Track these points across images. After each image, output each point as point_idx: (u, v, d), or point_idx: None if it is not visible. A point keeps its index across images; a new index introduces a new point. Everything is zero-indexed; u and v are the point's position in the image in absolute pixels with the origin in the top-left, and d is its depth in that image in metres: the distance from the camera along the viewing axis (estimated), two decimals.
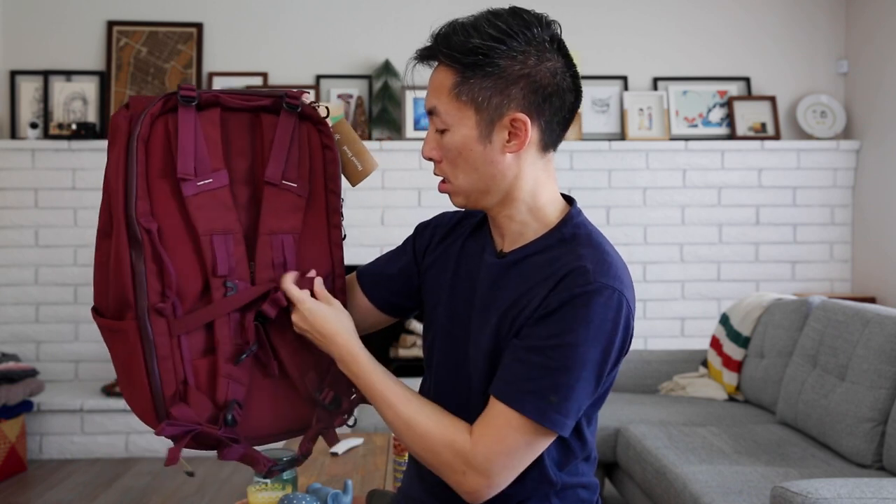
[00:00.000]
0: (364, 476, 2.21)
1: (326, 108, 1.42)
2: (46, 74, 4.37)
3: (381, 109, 4.39)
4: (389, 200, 4.40)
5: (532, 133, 1.26)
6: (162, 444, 4.05)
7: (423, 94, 1.33)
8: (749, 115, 4.53)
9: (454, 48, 1.24)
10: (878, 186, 4.31)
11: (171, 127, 1.30)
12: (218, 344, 1.32)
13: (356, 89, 4.46)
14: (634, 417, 3.09)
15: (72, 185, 4.32)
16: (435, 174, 1.34)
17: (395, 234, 4.38)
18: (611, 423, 3.04)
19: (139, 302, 1.25)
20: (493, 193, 1.30)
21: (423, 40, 1.31)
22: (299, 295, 1.34)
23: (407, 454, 1.97)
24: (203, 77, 4.44)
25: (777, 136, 4.50)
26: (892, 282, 4.17)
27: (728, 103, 4.53)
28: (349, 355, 1.32)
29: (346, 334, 1.33)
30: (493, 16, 1.25)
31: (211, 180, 1.31)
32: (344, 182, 1.45)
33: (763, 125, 4.52)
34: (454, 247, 1.42)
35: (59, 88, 4.38)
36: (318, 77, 4.47)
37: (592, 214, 1.40)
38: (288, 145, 1.37)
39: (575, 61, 1.30)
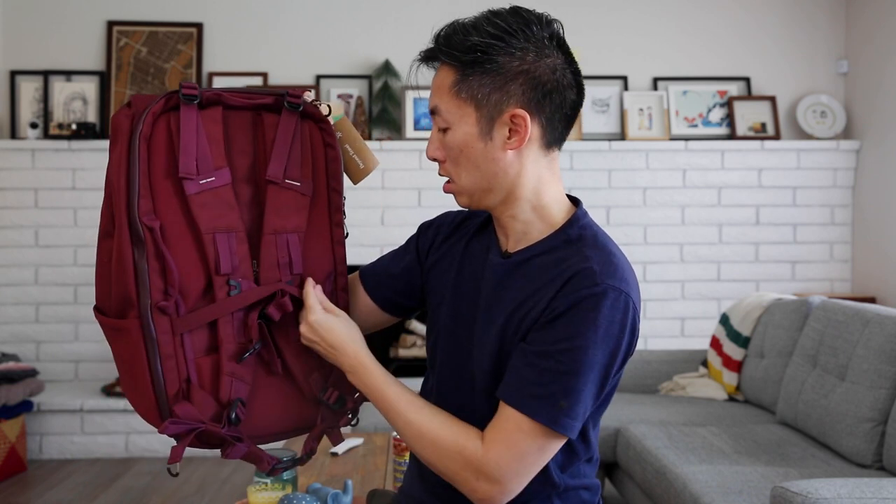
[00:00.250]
0: (364, 476, 2.21)
1: (328, 106, 1.42)
2: (46, 74, 4.37)
3: (381, 109, 4.39)
4: (389, 200, 4.40)
5: (533, 130, 1.26)
6: (162, 445, 4.05)
7: (423, 94, 1.33)
8: (749, 115, 4.53)
9: (454, 47, 1.25)
10: (878, 186, 4.31)
11: (173, 125, 1.29)
12: (221, 342, 1.32)
13: (356, 89, 4.46)
14: (634, 417, 3.09)
15: (72, 185, 4.32)
16: (440, 174, 1.34)
17: (396, 234, 4.38)
18: (611, 423, 3.04)
19: (142, 300, 1.25)
20: (495, 192, 1.30)
21: (423, 40, 1.32)
22: (313, 305, 1.34)
23: (407, 454, 1.97)
24: (203, 77, 4.44)
25: (777, 136, 4.50)
26: (892, 282, 4.17)
27: (728, 103, 4.53)
28: (360, 366, 1.32)
29: (355, 345, 1.33)
30: (493, 15, 1.26)
31: (213, 178, 1.31)
32: (345, 180, 1.45)
33: (763, 125, 4.52)
34: (458, 246, 1.42)
35: (59, 88, 4.38)
36: (318, 77, 4.47)
37: (592, 214, 1.40)
38: (290, 144, 1.37)
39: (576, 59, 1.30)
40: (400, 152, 4.37)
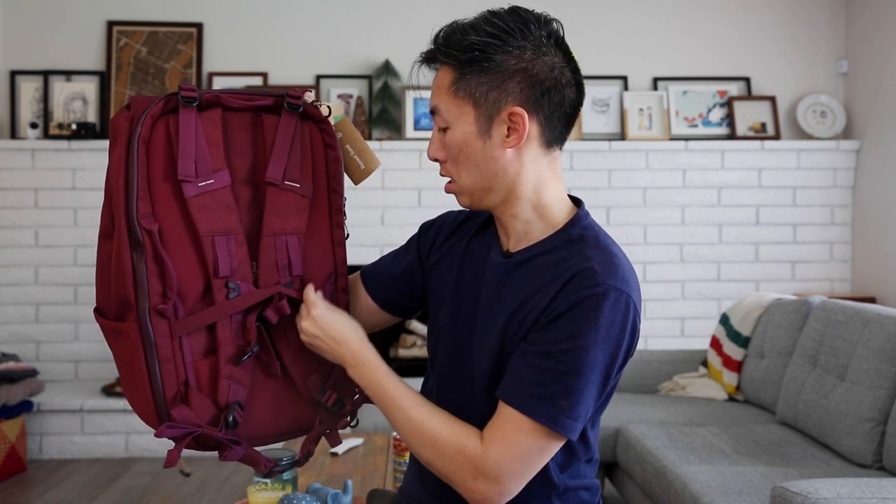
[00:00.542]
0: (364, 476, 2.21)
1: (328, 107, 1.42)
2: (46, 74, 4.37)
3: (381, 109, 4.39)
4: (390, 200, 4.40)
5: (531, 128, 1.27)
6: (162, 445, 4.05)
7: (423, 94, 1.33)
8: (749, 115, 4.53)
9: (452, 46, 1.26)
10: (878, 186, 4.31)
11: (172, 128, 1.29)
12: (219, 345, 1.31)
13: (356, 89, 4.46)
14: (634, 417, 3.09)
15: (72, 185, 4.32)
16: (441, 175, 1.34)
17: (396, 234, 4.38)
18: (611, 423, 3.04)
19: (140, 303, 1.25)
20: (496, 191, 1.30)
21: (423, 40, 1.32)
22: (315, 300, 1.33)
23: (407, 454, 1.97)
24: (203, 77, 4.44)
25: (777, 136, 4.50)
26: (892, 282, 4.17)
27: (728, 103, 4.53)
28: (362, 360, 1.32)
29: (357, 338, 1.33)
30: (491, 15, 1.26)
31: (212, 181, 1.30)
32: (346, 181, 1.45)
33: (763, 125, 4.52)
34: (459, 246, 1.42)
35: (59, 88, 4.38)
36: (318, 77, 4.47)
37: (592, 214, 1.40)
38: (289, 145, 1.37)
39: (575, 59, 1.30)
40: (400, 152, 4.37)
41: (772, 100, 4.54)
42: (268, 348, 1.36)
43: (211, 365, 1.32)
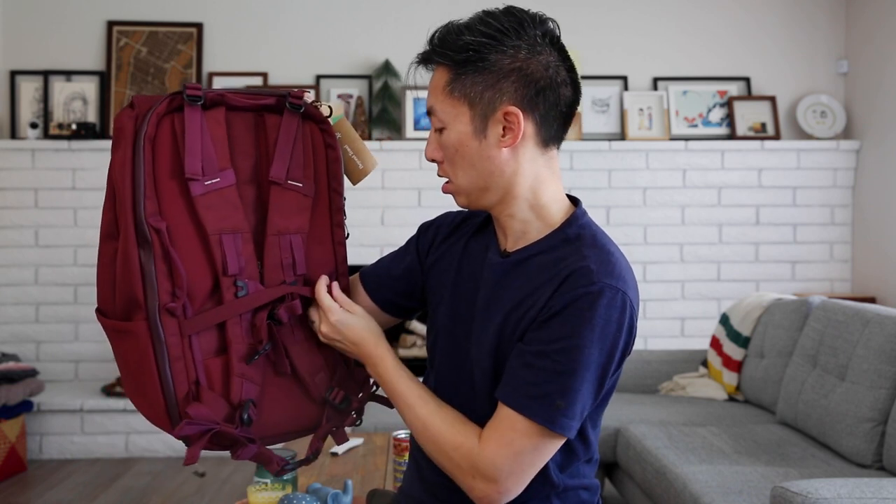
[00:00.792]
0: (364, 476, 2.21)
1: (329, 107, 1.42)
2: (46, 74, 4.37)
3: (381, 109, 4.39)
4: (389, 200, 4.40)
5: (527, 127, 1.27)
6: (162, 445, 4.05)
7: (422, 94, 1.34)
8: (749, 115, 4.53)
9: (447, 47, 1.26)
10: (878, 186, 4.31)
11: (177, 126, 1.29)
12: (230, 343, 1.31)
13: (356, 89, 4.46)
14: (634, 417, 3.09)
15: (72, 185, 4.32)
16: (438, 175, 1.34)
17: (396, 234, 4.38)
18: (611, 423, 3.04)
19: (149, 302, 1.24)
20: (492, 191, 1.30)
21: (423, 40, 1.32)
22: (331, 305, 1.35)
23: (407, 454, 1.97)
24: (203, 77, 4.44)
25: (777, 136, 4.50)
26: (892, 282, 4.17)
27: (728, 103, 4.53)
28: (379, 359, 1.34)
29: (375, 338, 1.35)
30: (486, 15, 1.27)
31: (218, 179, 1.30)
32: (345, 181, 1.45)
33: (763, 125, 4.52)
34: (457, 246, 1.42)
35: (59, 88, 4.38)
36: (318, 77, 4.47)
37: (592, 214, 1.40)
38: (292, 145, 1.37)
39: (574, 59, 1.30)
40: (400, 152, 4.37)
41: (772, 100, 4.54)
42: (278, 346, 1.36)
43: (222, 363, 1.31)
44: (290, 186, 1.36)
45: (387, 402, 1.42)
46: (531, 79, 1.25)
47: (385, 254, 1.56)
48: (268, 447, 1.42)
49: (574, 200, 1.36)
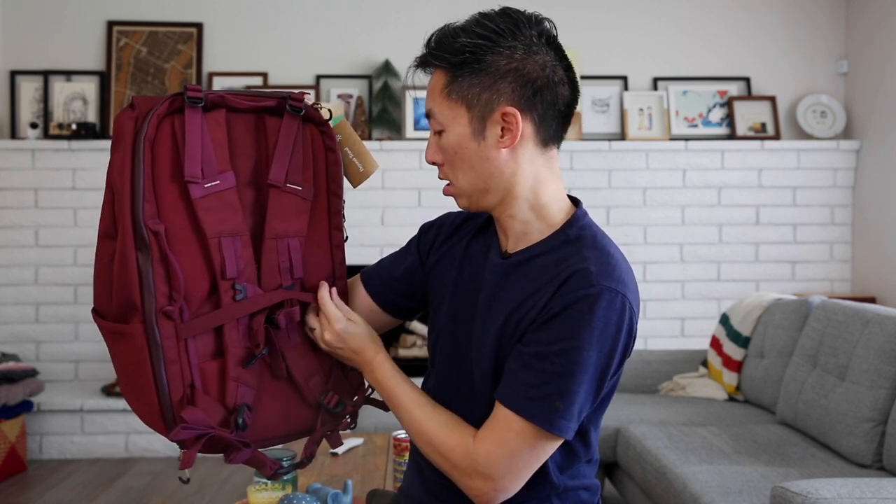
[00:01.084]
0: (364, 476, 2.21)
1: (329, 110, 1.41)
2: (46, 74, 4.37)
3: (381, 109, 4.39)
4: (389, 200, 4.40)
5: (525, 127, 1.27)
6: (162, 445, 4.05)
7: (422, 94, 1.34)
8: (749, 115, 4.53)
9: (444, 50, 1.26)
10: (878, 186, 4.31)
11: (177, 128, 1.28)
12: (227, 347, 1.31)
13: (356, 89, 4.46)
14: (634, 417, 3.09)
15: (72, 185, 4.32)
16: (439, 178, 1.35)
17: (396, 235, 4.38)
18: (611, 423, 3.04)
19: (146, 305, 1.24)
20: (493, 192, 1.30)
21: (423, 41, 1.32)
22: (336, 314, 1.35)
23: (407, 454, 1.97)
24: (203, 77, 4.44)
25: (777, 136, 4.50)
26: (892, 282, 4.17)
27: (728, 103, 4.53)
28: (378, 366, 1.36)
29: (374, 347, 1.37)
30: (482, 16, 1.27)
31: (218, 182, 1.30)
32: (345, 183, 1.45)
33: (763, 125, 4.52)
34: (458, 246, 1.42)
35: (59, 88, 4.38)
36: (318, 77, 4.47)
37: (592, 214, 1.40)
38: (291, 148, 1.37)
39: (572, 60, 1.31)
40: (400, 152, 4.37)
41: (772, 100, 4.54)
42: (275, 350, 1.36)
43: (218, 367, 1.31)
44: (289, 190, 1.36)
45: (382, 406, 1.42)
46: (528, 79, 1.25)
47: (385, 254, 1.56)
48: (264, 449, 1.42)
49: (575, 201, 1.36)
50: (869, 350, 2.54)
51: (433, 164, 1.33)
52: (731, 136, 4.51)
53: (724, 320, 3.56)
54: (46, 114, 4.35)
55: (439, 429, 1.28)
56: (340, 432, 1.46)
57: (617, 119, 4.53)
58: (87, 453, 4.07)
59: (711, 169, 4.48)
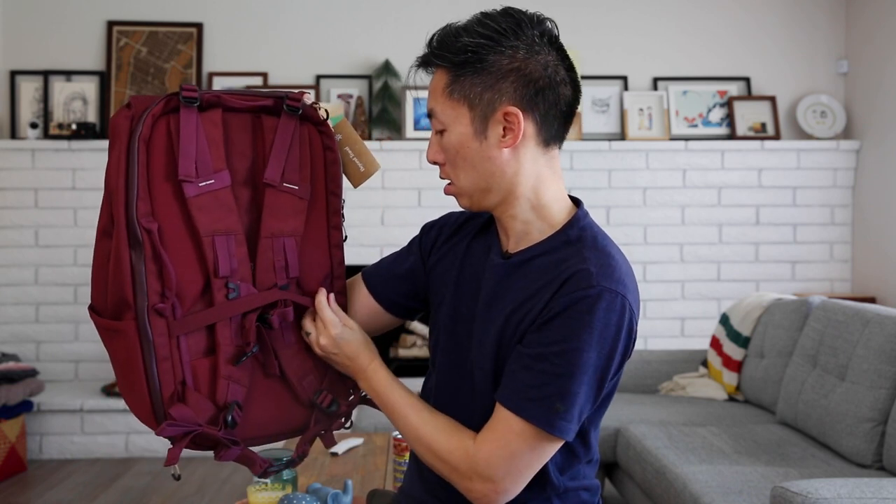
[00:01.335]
0: (364, 476, 2.21)
1: (326, 110, 1.42)
2: (46, 74, 4.37)
3: (381, 109, 4.39)
4: (389, 200, 4.40)
5: (527, 127, 1.27)
6: (162, 445, 4.05)
7: (422, 94, 1.34)
8: (749, 115, 4.53)
9: (446, 49, 1.26)
10: (878, 186, 4.31)
11: (172, 127, 1.29)
12: (219, 345, 1.31)
13: (356, 89, 4.46)
14: (634, 417, 3.09)
15: (72, 185, 4.32)
16: (441, 177, 1.35)
17: (396, 234, 4.38)
18: (611, 423, 3.04)
19: (138, 302, 1.25)
20: (494, 192, 1.30)
21: (423, 40, 1.32)
22: (333, 319, 1.36)
23: (407, 454, 1.97)
24: (203, 77, 4.44)
25: (777, 136, 4.50)
26: (892, 282, 4.17)
27: (728, 103, 4.53)
28: (372, 372, 1.36)
29: (369, 353, 1.37)
30: (484, 16, 1.27)
31: (213, 181, 1.30)
32: (344, 182, 1.44)
33: (763, 125, 4.52)
34: (460, 246, 1.42)
35: (59, 88, 4.38)
36: (318, 77, 4.47)
37: (592, 214, 1.39)
38: (288, 147, 1.37)
39: (573, 59, 1.31)
40: (400, 152, 4.37)
41: (772, 100, 4.54)
42: (267, 349, 1.36)
43: (210, 365, 1.31)
44: (285, 189, 1.36)
45: (377, 406, 1.42)
46: (530, 79, 1.25)
47: (385, 254, 1.56)
48: (266, 447, 1.42)
49: (576, 201, 1.36)
50: (869, 350, 2.54)
51: (434, 163, 1.33)
52: (731, 136, 4.52)
53: (724, 320, 3.56)
54: (46, 114, 4.35)
55: (437, 432, 1.28)
56: (335, 432, 1.46)
57: (617, 119, 4.53)
58: (87, 453, 4.07)
59: (711, 169, 4.48)
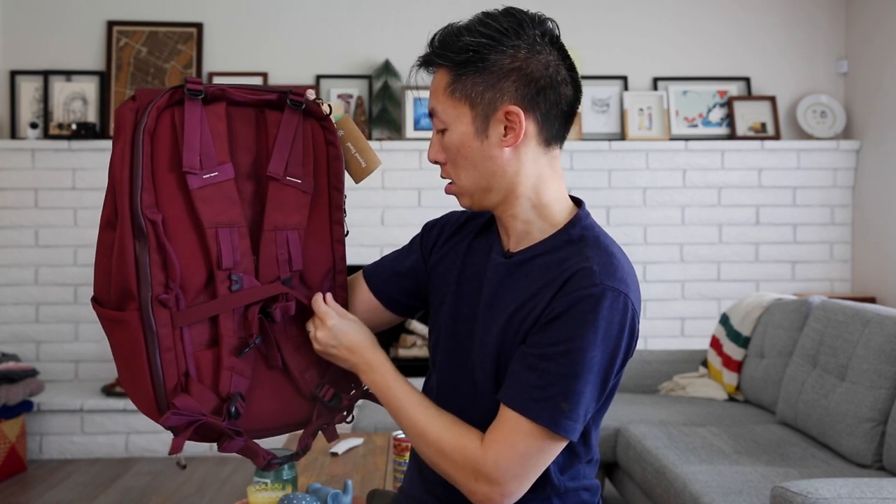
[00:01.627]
0: (364, 476, 2.21)
1: (329, 105, 1.43)
2: (46, 74, 4.37)
3: (381, 109, 4.39)
4: (389, 200, 4.40)
5: (528, 126, 1.27)
6: (162, 444, 4.05)
7: (423, 94, 1.34)
8: (749, 115, 4.53)
9: (447, 49, 1.27)
10: (878, 186, 4.31)
11: (177, 120, 1.30)
12: (222, 337, 1.32)
13: (356, 89, 4.46)
14: (634, 417, 3.09)
15: (72, 185, 4.32)
16: (442, 177, 1.35)
17: (396, 234, 4.38)
18: (611, 423, 3.04)
19: (142, 293, 1.25)
20: (495, 191, 1.30)
21: (423, 40, 1.33)
22: (327, 310, 1.35)
23: (407, 454, 1.97)
24: (203, 77, 4.44)
25: (777, 136, 4.50)
26: (892, 282, 4.17)
27: (728, 103, 4.54)
28: (376, 365, 1.34)
29: (370, 345, 1.36)
30: (486, 16, 1.27)
31: (216, 173, 1.31)
32: (346, 179, 1.45)
33: (763, 125, 4.52)
34: (461, 245, 1.43)
35: (59, 88, 4.38)
36: (318, 77, 4.47)
37: (592, 214, 1.40)
38: (291, 141, 1.38)
39: (574, 59, 1.31)
40: (400, 152, 4.37)
41: (772, 100, 4.54)
42: (269, 340, 1.36)
43: (213, 356, 1.32)
44: (289, 182, 1.37)
45: (379, 401, 1.42)
46: (531, 78, 1.25)
47: (385, 253, 1.56)
48: (270, 446, 1.42)
49: (577, 202, 1.36)
50: (869, 350, 2.54)
51: (436, 162, 1.33)
52: (731, 136, 4.52)
53: (724, 320, 3.56)
54: (46, 114, 4.35)
55: (444, 431, 1.27)
56: (337, 427, 1.46)
57: (617, 119, 4.53)
58: (87, 453, 4.07)
59: (711, 169, 4.48)
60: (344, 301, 1.44)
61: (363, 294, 1.48)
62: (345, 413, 1.45)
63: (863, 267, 4.45)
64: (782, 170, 4.49)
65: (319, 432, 1.45)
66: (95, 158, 4.31)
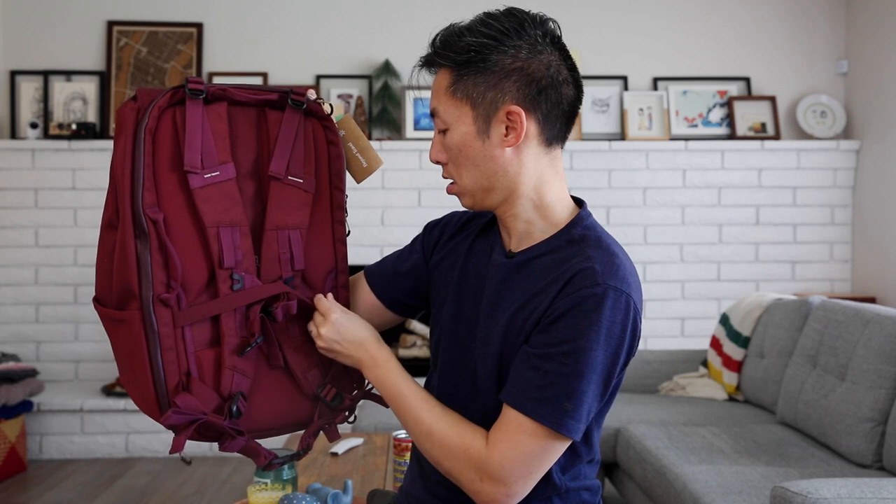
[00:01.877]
0: (364, 476, 2.21)
1: (330, 105, 1.43)
2: (46, 74, 4.37)
3: (381, 109, 4.39)
4: (390, 200, 4.40)
5: (530, 126, 1.27)
6: (162, 444, 4.05)
7: (423, 94, 1.34)
8: (749, 115, 4.53)
9: (449, 49, 1.27)
10: (878, 186, 4.31)
11: (178, 119, 1.30)
12: (223, 336, 1.32)
13: (356, 89, 4.46)
14: (634, 417, 3.09)
15: (72, 185, 4.32)
16: (443, 177, 1.35)
17: (396, 234, 4.38)
18: (611, 423, 3.04)
19: (144, 292, 1.25)
20: (496, 191, 1.30)
21: (423, 40, 1.34)
22: (328, 305, 1.36)
23: (408, 454, 1.97)
24: (203, 77, 4.44)
25: (777, 136, 4.50)
26: (892, 282, 4.17)
27: (728, 103, 4.54)
28: (380, 361, 1.34)
29: (374, 340, 1.36)
30: (487, 16, 1.28)
31: (218, 173, 1.31)
32: (348, 179, 1.45)
33: (763, 125, 4.52)
34: (462, 246, 1.43)
35: (59, 88, 4.38)
36: (318, 77, 4.47)
37: (593, 214, 1.40)
38: (293, 141, 1.38)
39: (574, 59, 1.31)
40: (400, 152, 4.37)
41: (772, 100, 4.54)
42: (271, 339, 1.36)
43: (214, 355, 1.32)
44: (290, 182, 1.37)
45: (381, 401, 1.42)
46: (533, 78, 1.25)
47: (385, 254, 1.56)
48: (270, 446, 1.42)
49: (579, 202, 1.36)
50: (869, 350, 2.54)
51: (437, 162, 1.33)
52: (731, 136, 4.52)
53: (724, 320, 3.56)
54: (46, 114, 4.35)
55: (450, 430, 1.26)
56: (339, 426, 1.47)
57: (617, 119, 4.53)
58: (87, 453, 4.07)
59: (711, 169, 4.48)
60: (346, 301, 1.44)
61: (364, 294, 1.48)
62: (346, 413, 1.45)
63: (863, 267, 4.45)
64: (782, 170, 4.49)
65: (321, 432, 1.45)
66: (95, 158, 4.31)
